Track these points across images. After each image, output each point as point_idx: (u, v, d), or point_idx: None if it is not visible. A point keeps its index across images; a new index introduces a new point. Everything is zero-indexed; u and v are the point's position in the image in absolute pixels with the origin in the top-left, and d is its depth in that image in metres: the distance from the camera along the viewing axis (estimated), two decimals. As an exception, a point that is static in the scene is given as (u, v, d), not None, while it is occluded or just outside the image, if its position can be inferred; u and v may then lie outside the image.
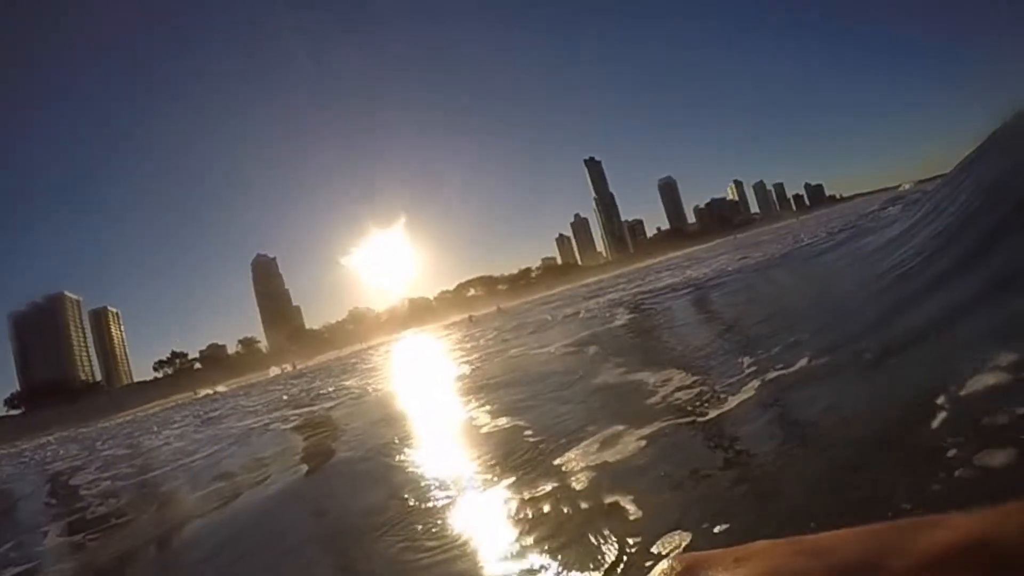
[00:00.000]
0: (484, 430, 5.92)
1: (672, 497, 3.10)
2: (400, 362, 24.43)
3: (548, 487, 3.74)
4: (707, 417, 4.23)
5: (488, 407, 7.05)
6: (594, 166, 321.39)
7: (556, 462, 4.19)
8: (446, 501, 4.04)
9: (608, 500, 3.26)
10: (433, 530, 3.57)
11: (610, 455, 4.02)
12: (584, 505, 3.32)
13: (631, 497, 3.19)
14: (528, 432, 5.28)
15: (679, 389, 5.17)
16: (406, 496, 4.33)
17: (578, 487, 3.62)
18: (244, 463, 8.19)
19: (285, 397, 20.57)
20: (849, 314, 6.05)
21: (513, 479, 4.11)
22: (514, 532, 3.23)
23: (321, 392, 17.66)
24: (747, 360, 5.38)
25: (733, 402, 4.36)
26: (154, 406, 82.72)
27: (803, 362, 4.73)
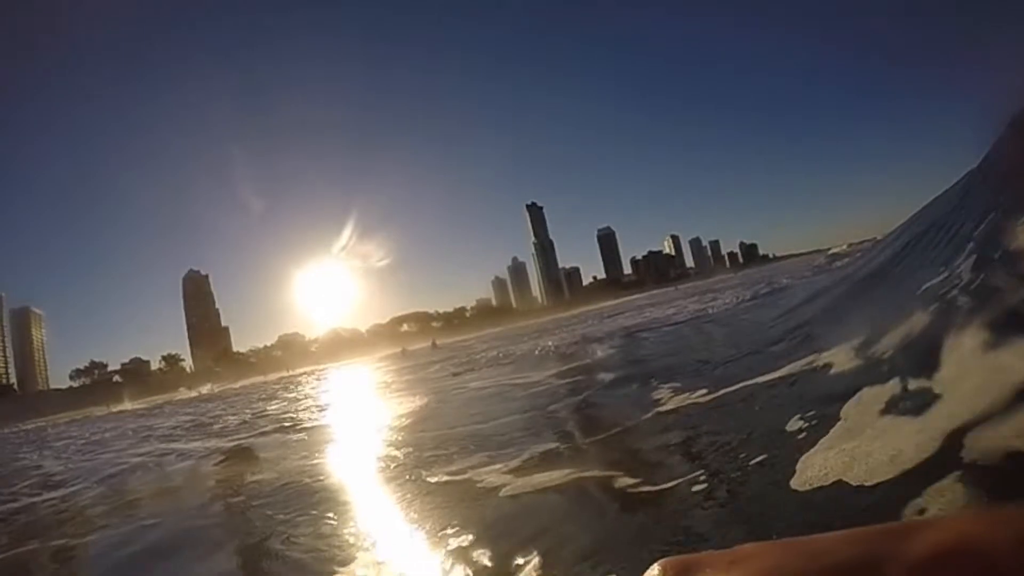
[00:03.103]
0: (506, 492, 3.69)
1: None
2: (332, 394, 21.54)
3: None
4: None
5: (498, 464, 4.43)
6: (535, 211, 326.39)
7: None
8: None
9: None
10: None
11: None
12: None
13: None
14: (627, 481, 3.22)
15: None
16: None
17: None
18: (110, 511, 5.94)
19: (193, 423, 17.75)
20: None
21: None
22: None
23: (233, 419, 15.18)
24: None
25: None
26: (64, 417, 74.42)
27: None
